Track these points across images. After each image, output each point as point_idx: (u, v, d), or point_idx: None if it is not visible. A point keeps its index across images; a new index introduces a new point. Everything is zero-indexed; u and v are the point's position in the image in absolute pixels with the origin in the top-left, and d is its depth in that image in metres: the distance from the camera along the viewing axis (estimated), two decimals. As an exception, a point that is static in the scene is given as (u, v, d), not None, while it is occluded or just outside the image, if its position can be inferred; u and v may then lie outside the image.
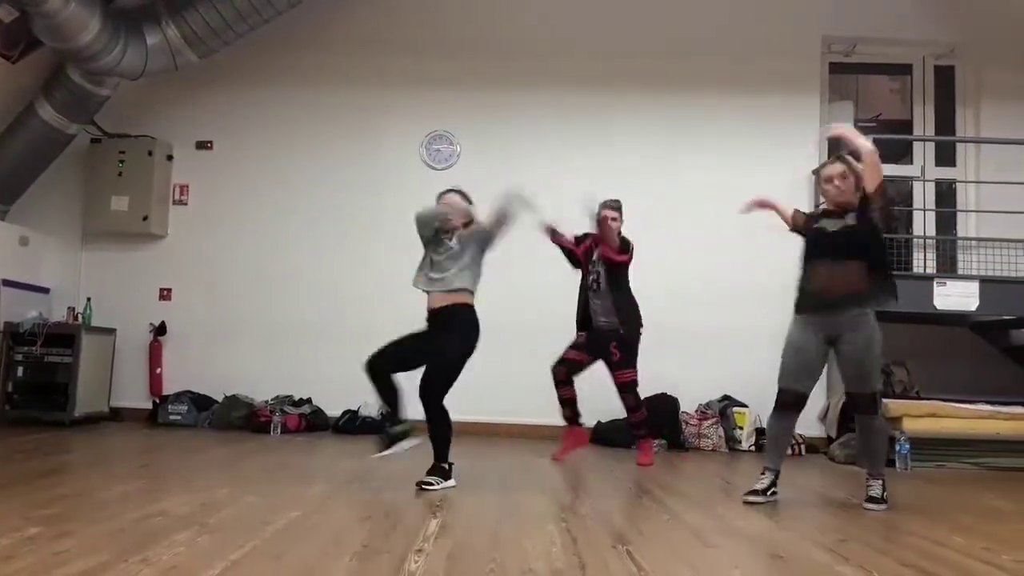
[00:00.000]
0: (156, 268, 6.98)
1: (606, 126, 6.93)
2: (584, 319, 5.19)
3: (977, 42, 6.99)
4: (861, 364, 3.79)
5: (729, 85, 6.91)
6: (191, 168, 7.06)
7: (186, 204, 7.06)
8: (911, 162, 7.08)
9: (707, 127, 6.91)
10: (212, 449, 5.20)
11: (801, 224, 4.16)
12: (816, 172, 4.06)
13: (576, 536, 2.90)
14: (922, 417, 5.68)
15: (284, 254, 6.94)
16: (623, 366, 5.04)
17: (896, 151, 7.18)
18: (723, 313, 6.65)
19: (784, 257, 6.70)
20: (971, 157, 6.98)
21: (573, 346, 5.18)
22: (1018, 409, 5.65)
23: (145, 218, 6.83)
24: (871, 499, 3.81)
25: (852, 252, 3.80)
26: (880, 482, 3.85)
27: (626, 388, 5.06)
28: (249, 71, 7.04)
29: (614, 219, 5.08)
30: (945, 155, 7.07)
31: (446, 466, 3.90)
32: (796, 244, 7.43)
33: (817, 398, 6.62)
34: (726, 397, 6.57)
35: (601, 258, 5.09)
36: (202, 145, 7.09)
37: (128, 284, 6.95)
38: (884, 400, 5.81)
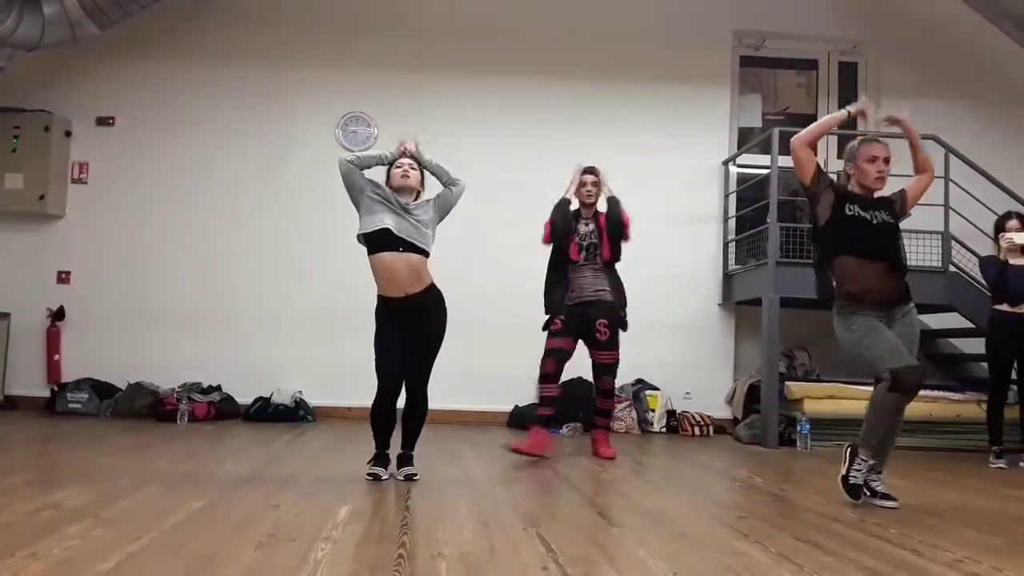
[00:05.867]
0: (54, 250, 6.66)
1: (521, 111, 6.95)
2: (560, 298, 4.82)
3: (879, 40, 7.30)
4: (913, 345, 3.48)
5: (642, 75, 7.02)
6: (91, 145, 6.74)
7: (86, 183, 6.74)
8: (815, 154, 7.34)
9: (621, 116, 6.99)
10: (113, 439, 5.00)
11: (818, 190, 3.55)
12: (855, 146, 3.56)
13: (487, 520, 2.92)
14: (822, 399, 5.94)
15: (191, 236, 6.71)
16: (611, 346, 4.79)
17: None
18: (635, 299, 6.73)
19: (693, 246, 6.95)
20: (871, 151, 7.30)
21: (555, 333, 4.77)
22: (910, 391, 5.96)
23: (42, 197, 6.50)
24: (885, 495, 3.46)
25: (893, 251, 3.49)
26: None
27: (608, 370, 4.81)
28: (154, 45, 6.76)
29: (595, 183, 4.88)
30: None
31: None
32: (706, 234, 7.57)
33: (724, 380, 6.86)
34: (639, 381, 6.72)
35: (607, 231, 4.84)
36: (103, 121, 6.77)
37: (23, 266, 6.61)
38: (787, 383, 6.07)
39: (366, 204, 3.64)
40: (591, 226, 4.89)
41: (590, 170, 4.95)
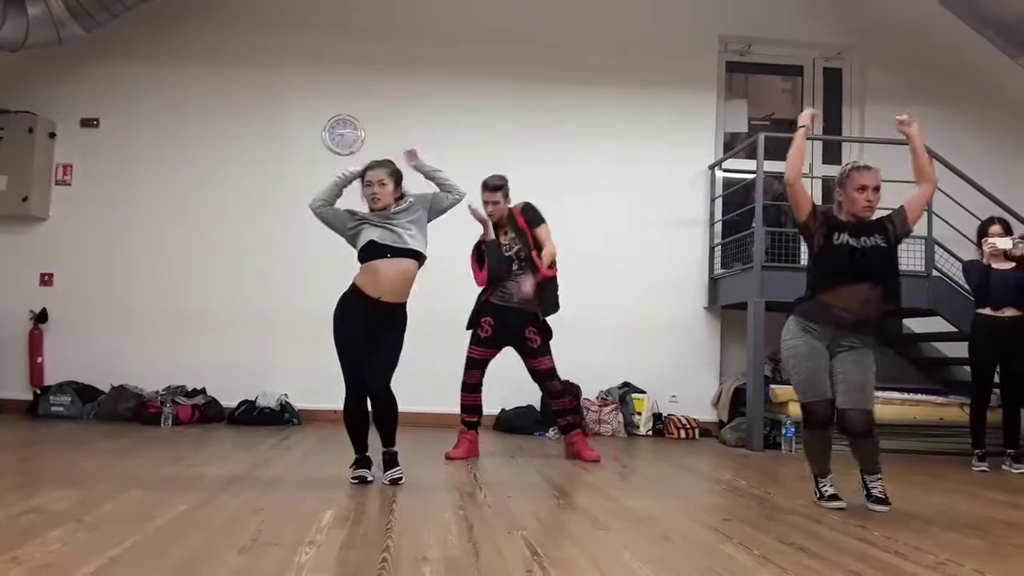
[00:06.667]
0: (37, 252, 6.60)
1: (509, 115, 6.94)
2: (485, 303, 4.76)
3: (863, 46, 7.35)
4: (865, 375, 3.52)
5: (629, 79, 7.02)
6: (75, 147, 6.69)
7: (70, 185, 6.69)
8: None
9: (607, 121, 7.00)
10: (96, 442, 4.96)
11: (814, 226, 3.55)
12: (846, 172, 3.59)
13: (472, 523, 2.92)
14: (807, 402, 5.95)
15: (175, 239, 6.67)
16: (544, 352, 4.74)
17: (786, 149, 7.47)
18: (621, 303, 6.80)
19: (679, 250, 6.97)
20: (856, 156, 7.34)
21: (483, 342, 4.76)
22: (895, 395, 6.00)
23: (25, 199, 6.44)
24: (877, 499, 3.50)
25: (880, 275, 3.47)
26: (880, 479, 3.57)
27: (549, 375, 4.78)
28: (140, 47, 6.72)
29: (496, 202, 4.72)
30: (832, 153, 7.41)
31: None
32: (692, 238, 7.62)
33: (710, 383, 6.88)
34: (625, 384, 6.73)
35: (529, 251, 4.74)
36: (87, 123, 6.72)
37: (6, 269, 6.55)
38: (772, 386, 6.09)
39: (352, 235, 3.83)
40: (511, 234, 4.77)
41: (489, 188, 4.75)
